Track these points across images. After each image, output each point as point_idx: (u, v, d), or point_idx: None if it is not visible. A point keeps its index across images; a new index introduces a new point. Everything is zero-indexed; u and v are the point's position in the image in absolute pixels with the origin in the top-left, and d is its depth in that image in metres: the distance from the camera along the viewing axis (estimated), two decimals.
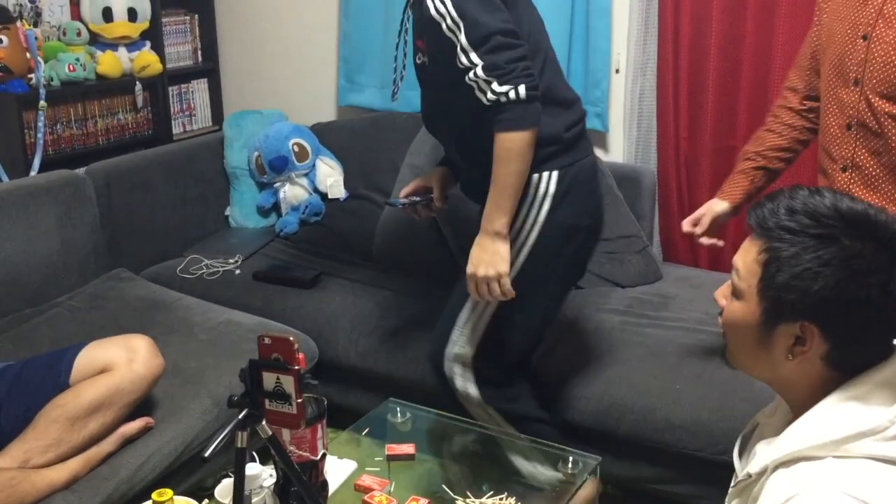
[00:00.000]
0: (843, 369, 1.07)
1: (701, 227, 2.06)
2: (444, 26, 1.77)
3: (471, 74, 1.77)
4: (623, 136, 2.93)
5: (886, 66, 1.70)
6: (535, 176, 1.87)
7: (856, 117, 1.78)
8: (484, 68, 1.76)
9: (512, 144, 1.78)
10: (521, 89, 1.75)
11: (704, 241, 2.07)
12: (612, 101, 2.90)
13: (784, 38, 2.46)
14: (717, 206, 2.07)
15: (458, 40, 1.77)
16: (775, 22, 2.48)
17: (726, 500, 1.20)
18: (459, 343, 2.00)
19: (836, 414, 1.04)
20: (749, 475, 1.11)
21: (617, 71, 2.88)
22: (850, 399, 1.05)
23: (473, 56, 1.76)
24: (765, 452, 1.09)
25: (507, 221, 1.84)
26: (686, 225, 2.09)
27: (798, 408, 1.10)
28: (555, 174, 1.88)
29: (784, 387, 1.13)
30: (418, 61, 1.95)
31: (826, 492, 0.97)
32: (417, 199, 2.15)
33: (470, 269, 1.88)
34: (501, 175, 1.80)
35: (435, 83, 1.95)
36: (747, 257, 1.10)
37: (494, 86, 1.76)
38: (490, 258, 1.85)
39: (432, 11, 1.78)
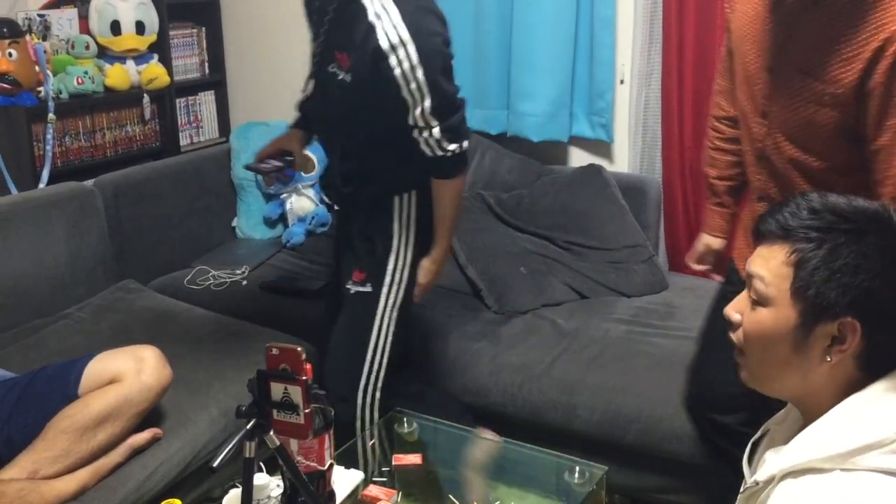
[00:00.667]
0: (872, 369, 1.06)
1: (707, 264, 2.05)
2: (404, 86, 1.80)
3: (424, 134, 1.86)
4: (628, 146, 2.94)
5: (790, 103, 1.52)
6: (405, 196, 2.01)
7: (764, 151, 1.64)
8: (441, 131, 1.86)
9: (456, 187, 1.98)
10: (465, 143, 1.93)
11: (716, 277, 2.05)
12: (616, 111, 2.91)
13: None
14: (713, 242, 1.99)
15: (420, 104, 1.83)
16: None
17: None
18: (373, 376, 2.09)
19: (843, 424, 1.04)
20: (756, 483, 1.10)
21: (622, 81, 2.89)
22: (859, 407, 1.05)
23: (433, 122, 1.85)
24: (773, 461, 1.08)
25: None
26: (693, 265, 2.07)
27: (813, 416, 1.08)
28: (414, 194, 2.02)
29: (808, 396, 1.10)
30: (333, 72, 1.91)
31: None
32: (279, 164, 2.12)
33: (431, 277, 2.08)
34: (449, 211, 2.01)
35: (350, 103, 1.94)
36: (771, 263, 1.07)
37: (445, 144, 1.88)
38: (441, 269, 2.09)
39: (393, 65, 1.78)
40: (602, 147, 3.00)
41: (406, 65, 1.78)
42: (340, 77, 1.89)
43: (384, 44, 1.78)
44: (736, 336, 1.14)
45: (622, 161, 2.97)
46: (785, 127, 1.56)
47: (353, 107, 1.94)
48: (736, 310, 1.14)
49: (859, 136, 1.46)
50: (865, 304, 1.02)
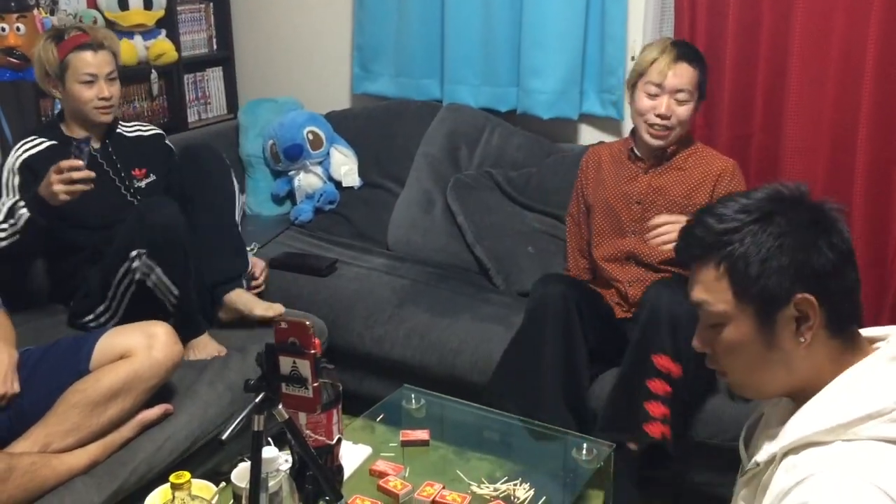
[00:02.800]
0: (842, 331, 1.08)
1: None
2: None
3: None
4: None
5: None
6: None
7: (633, 255, 2.29)
8: None
9: None
10: None
11: None
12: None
13: (802, 25, 2.44)
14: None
15: None
16: (793, 9, 2.45)
17: (735, 489, 1.20)
18: None
19: (842, 398, 1.04)
20: (757, 464, 1.11)
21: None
22: (855, 381, 1.05)
23: None
24: (773, 441, 1.09)
25: None
26: None
27: (807, 396, 1.09)
28: None
29: (802, 382, 1.10)
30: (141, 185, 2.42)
31: (835, 475, 0.97)
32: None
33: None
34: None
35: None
36: (706, 283, 1.09)
37: None
38: None
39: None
40: (612, 125, 2.98)
41: None
42: (147, 183, 2.48)
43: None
44: (712, 363, 1.15)
45: None
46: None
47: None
48: (700, 341, 1.15)
49: None
50: (806, 275, 1.04)
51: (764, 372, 1.10)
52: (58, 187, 2.03)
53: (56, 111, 2.81)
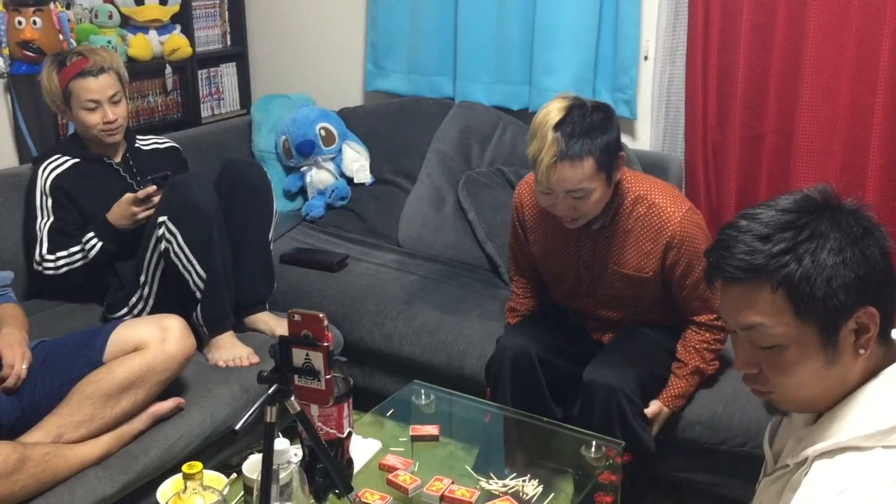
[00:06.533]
0: (888, 336, 1.06)
1: None
2: None
3: None
4: (651, 124, 2.91)
5: (615, 289, 2.05)
6: None
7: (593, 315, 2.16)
8: None
9: None
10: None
11: None
12: (640, 87, 2.89)
13: (815, 25, 2.43)
14: None
15: None
16: (807, 9, 2.44)
17: (758, 488, 1.18)
18: None
19: (881, 403, 1.02)
20: (787, 465, 1.09)
21: (646, 58, 2.86)
22: (892, 385, 1.04)
23: None
24: (804, 442, 1.07)
25: None
26: None
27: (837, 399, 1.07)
28: None
29: (848, 392, 1.06)
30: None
31: (879, 484, 0.95)
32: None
33: None
34: None
35: None
36: (762, 306, 1.03)
37: None
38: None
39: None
40: (625, 124, 2.96)
41: None
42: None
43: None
44: (757, 383, 1.09)
45: (644, 138, 2.95)
46: (607, 300, 2.10)
47: None
48: (747, 364, 1.08)
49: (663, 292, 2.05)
50: (868, 287, 1.02)
51: (819, 388, 1.06)
52: (142, 214, 2.27)
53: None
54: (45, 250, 2.30)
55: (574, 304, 2.19)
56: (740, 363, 1.09)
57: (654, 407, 2.01)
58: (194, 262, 2.16)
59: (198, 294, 2.18)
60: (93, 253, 2.27)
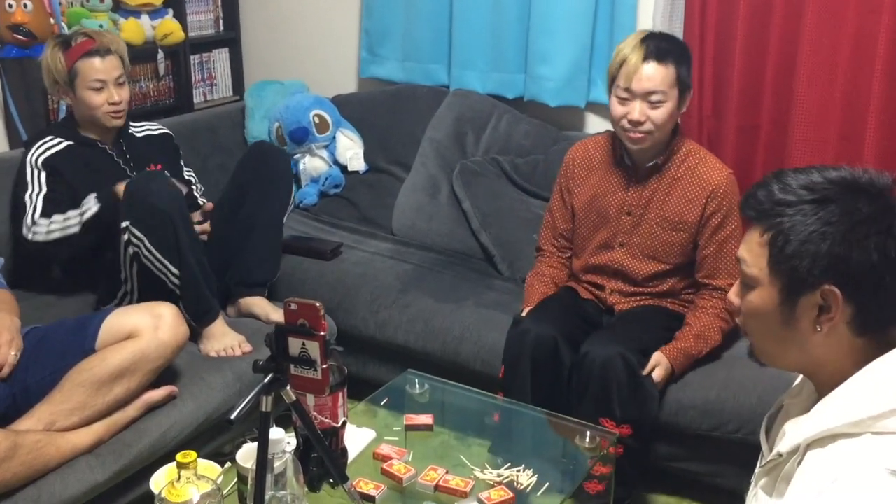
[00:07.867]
0: (870, 332, 1.06)
1: None
2: None
3: None
4: None
5: (651, 235, 2.14)
6: None
7: (619, 271, 2.19)
8: None
9: None
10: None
11: None
12: None
13: (812, 16, 2.42)
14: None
15: None
16: (804, 0, 2.44)
17: (753, 479, 1.19)
18: None
19: (870, 389, 1.03)
20: (779, 454, 1.10)
21: None
22: (884, 371, 1.04)
23: None
24: (795, 431, 1.07)
25: None
26: None
27: (827, 387, 1.08)
28: None
29: (816, 366, 1.11)
30: None
31: (867, 470, 0.96)
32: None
33: None
34: None
35: None
36: (751, 244, 1.11)
37: None
38: None
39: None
40: None
41: None
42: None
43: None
44: (739, 320, 1.17)
45: None
46: (644, 249, 2.16)
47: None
48: (735, 294, 1.17)
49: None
50: (839, 270, 1.03)
51: (777, 344, 1.12)
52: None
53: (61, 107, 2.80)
54: (37, 214, 2.23)
55: (601, 261, 2.20)
56: (731, 293, 1.18)
57: (654, 357, 2.00)
58: (165, 262, 2.14)
59: (177, 291, 2.17)
60: (88, 215, 2.19)
